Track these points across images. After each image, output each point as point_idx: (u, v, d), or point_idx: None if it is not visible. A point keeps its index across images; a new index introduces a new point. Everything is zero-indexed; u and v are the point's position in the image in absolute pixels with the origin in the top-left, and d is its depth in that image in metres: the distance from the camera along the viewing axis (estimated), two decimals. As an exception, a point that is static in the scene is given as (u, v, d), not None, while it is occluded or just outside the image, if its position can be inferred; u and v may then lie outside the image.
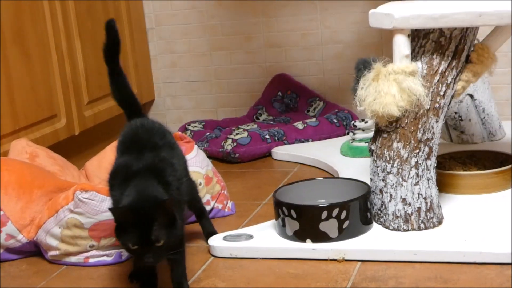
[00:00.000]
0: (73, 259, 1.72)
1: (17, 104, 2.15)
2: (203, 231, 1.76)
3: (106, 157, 1.99)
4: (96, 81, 2.53)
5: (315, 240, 1.63)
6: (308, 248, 1.62)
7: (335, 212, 1.61)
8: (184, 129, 2.68)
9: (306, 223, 1.63)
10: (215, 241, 1.70)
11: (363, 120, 2.33)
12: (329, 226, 1.62)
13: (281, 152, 2.45)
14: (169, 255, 1.37)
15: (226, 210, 1.96)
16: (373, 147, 1.70)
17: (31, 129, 2.21)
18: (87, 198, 1.65)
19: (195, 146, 1.95)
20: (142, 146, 1.46)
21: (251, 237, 1.70)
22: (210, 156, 2.31)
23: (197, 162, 1.91)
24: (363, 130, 2.32)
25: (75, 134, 2.42)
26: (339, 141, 2.41)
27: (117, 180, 1.41)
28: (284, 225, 1.67)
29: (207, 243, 1.70)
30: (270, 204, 1.94)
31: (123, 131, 1.55)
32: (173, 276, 1.46)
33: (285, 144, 2.50)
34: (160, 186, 1.37)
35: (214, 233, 1.74)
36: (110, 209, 1.33)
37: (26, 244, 1.76)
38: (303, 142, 2.52)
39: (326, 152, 2.34)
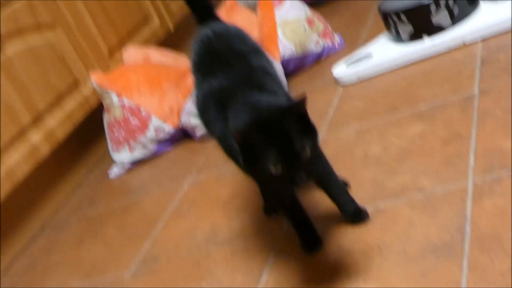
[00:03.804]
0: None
1: (113, 16, 2.22)
2: None
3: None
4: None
5: (432, 35, 1.68)
6: (429, 45, 1.67)
7: (442, 2, 1.65)
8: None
9: (419, 22, 1.68)
10: (340, 70, 1.77)
11: None
12: (442, 18, 1.66)
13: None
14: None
15: (336, 45, 2.02)
16: None
17: (133, 35, 2.29)
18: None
19: (287, -2, 2.01)
20: (227, 59, 1.19)
21: (370, 55, 1.77)
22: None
23: (295, 11, 1.98)
24: None
25: (171, 31, 2.50)
26: None
27: (214, 110, 1.14)
28: (398, 33, 1.72)
29: None
30: (374, 27, 1.99)
31: (196, 48, 1.26)
32: (334, 195, 1.22)
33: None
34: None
35: None
36: (232, 134, 1.00)
37: (174, 132, 1.91)
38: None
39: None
